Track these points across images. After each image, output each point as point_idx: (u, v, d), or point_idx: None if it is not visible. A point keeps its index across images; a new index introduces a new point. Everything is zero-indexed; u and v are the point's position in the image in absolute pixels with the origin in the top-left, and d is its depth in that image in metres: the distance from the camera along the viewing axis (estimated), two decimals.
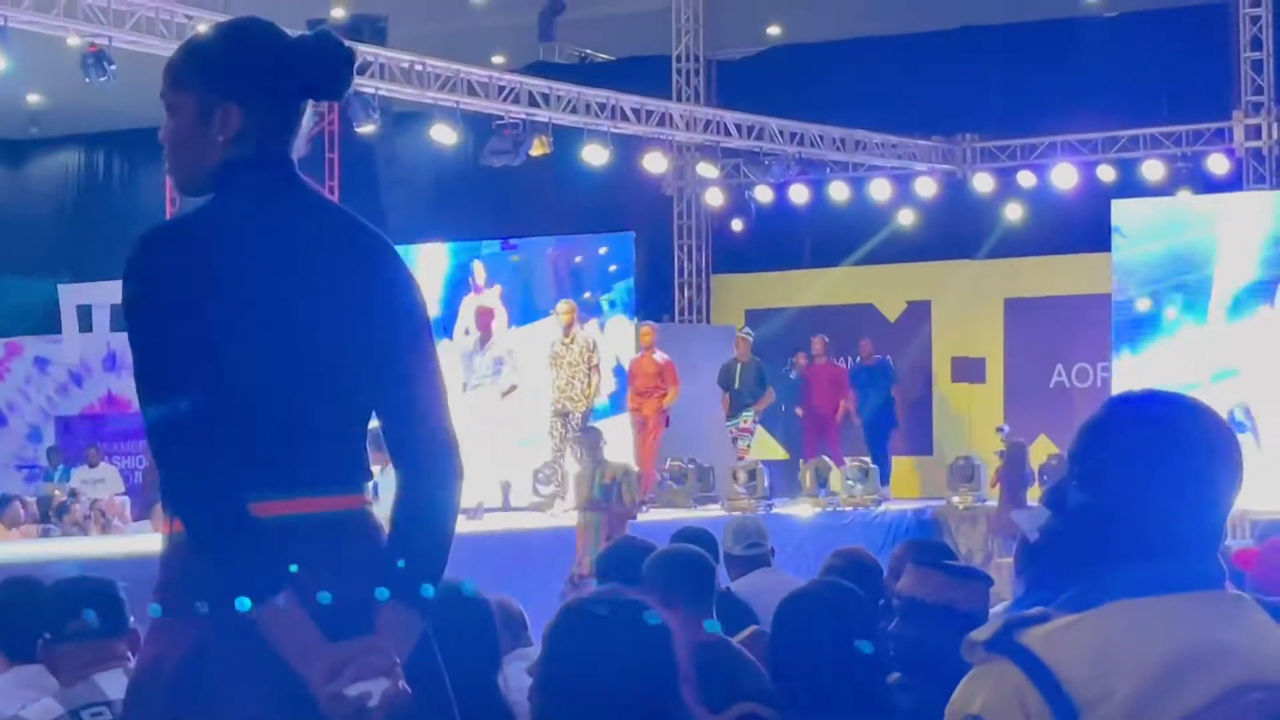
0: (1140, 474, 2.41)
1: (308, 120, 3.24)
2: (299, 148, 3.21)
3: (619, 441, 17.48)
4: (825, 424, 19.82)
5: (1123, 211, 19.34)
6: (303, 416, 3.05)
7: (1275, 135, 20.15)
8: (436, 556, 3.11)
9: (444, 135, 17.79)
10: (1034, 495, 17.17)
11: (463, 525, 3.40)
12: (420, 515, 3.12)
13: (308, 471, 3.06)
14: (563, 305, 17.10)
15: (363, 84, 16.45)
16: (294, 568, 2.94)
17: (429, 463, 3.14)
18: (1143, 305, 18.99)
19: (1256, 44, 20.10)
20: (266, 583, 2.92)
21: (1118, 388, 18.01)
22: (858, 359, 20.76)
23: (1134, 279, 19.07)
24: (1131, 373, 18.58)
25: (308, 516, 3.03)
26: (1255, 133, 20.25)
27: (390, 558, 3.06)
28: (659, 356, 17.66)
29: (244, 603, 2.89)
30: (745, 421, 18.49)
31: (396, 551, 3.07)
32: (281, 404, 3.03)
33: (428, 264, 19.32)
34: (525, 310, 19.37)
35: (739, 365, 18.57)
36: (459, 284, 19.85)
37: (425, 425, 3.15)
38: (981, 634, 2.37)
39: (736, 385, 18.52)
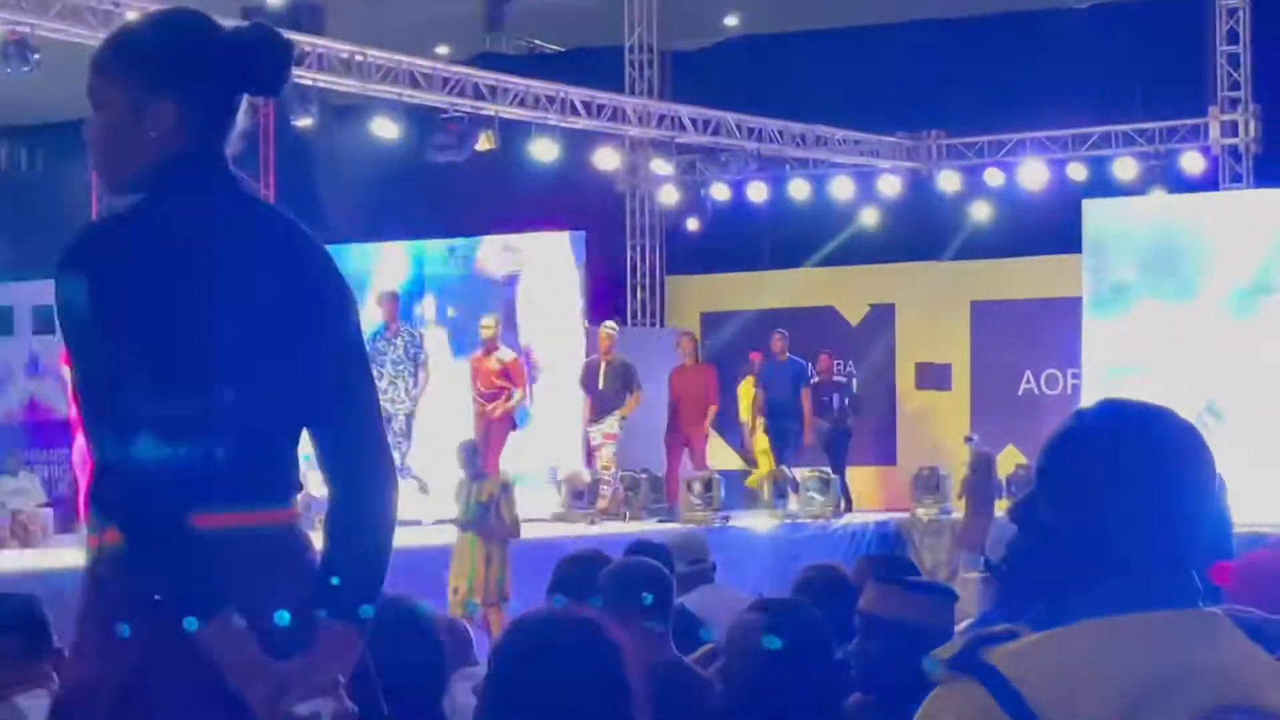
0: (1109, 489, 2.42)
1: (243, 115, 3.23)
2: (234, 144, 3.20)
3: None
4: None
5: (1094, 211, 19.43)
6: (237, 426, 3.05)
7: (1252, 132, 20.28)
8: (374, 572, 3.12)
9: (385, 129, 17.75)
10: (1002, 507, 17.24)
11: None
12: (357, 530, 3.13)
13: (243, 483, 3.06)
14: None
15: (300, 75, 16.40)
16: (236, 582, 2.94)
17: (363, 475, 3.15)
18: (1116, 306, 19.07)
19: (1233, 37, 20.24)
20: (209, 598, 2.93)
21: (1088, 392, 18.12)
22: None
23: (1107, 280, 19.11)
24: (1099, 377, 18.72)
25: (244, 530, 3.04)
26: (1231, 129, 20.38)
27: (327, 574, 3.07)
28: (505, 355, 17.38)
29: (190, 621, 2.90)
30: (610, 428, 17.57)
31: (333, 567, 3.08)
32: (217, 413, 3.04)
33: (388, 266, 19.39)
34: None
35: (603, 364, 17.66)
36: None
37: (358, 436, 3.17)
38: (945, 652, 2.38)
39: (601, 386, 17.60)
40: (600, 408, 17.56)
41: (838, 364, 20.71)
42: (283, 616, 2.96)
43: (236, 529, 3.03)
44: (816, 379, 20.06)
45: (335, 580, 3.05)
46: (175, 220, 3.09)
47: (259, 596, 2.96)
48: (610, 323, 18.32)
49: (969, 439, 18.64)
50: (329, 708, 2.91)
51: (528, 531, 13.77)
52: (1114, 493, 2.42)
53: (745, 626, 4.62)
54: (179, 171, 3.13)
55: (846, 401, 19.78)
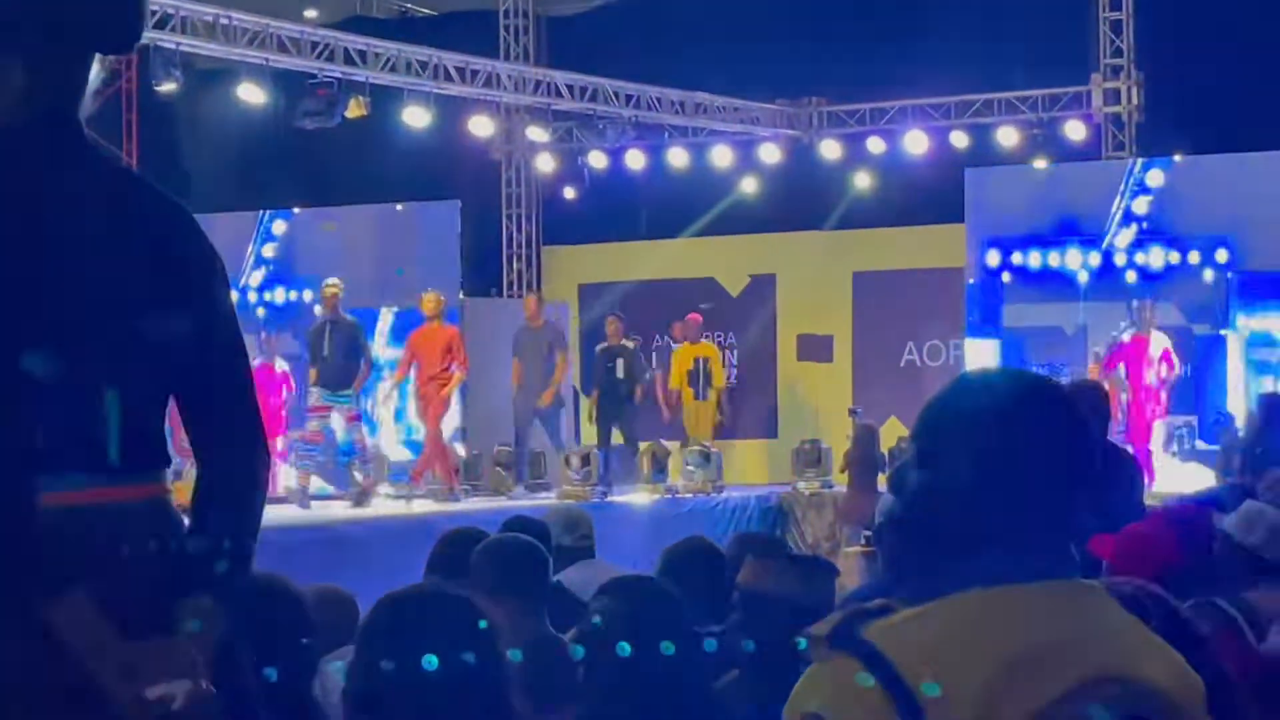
0: (980, 454, 2.44)
1: (96, 76, 3.19)
2: (87, 106, 3.16)
3: None
4: None
5: (976, 180, 19.59)
6: (93, 401, 3.02)
7: (1135, 100, 20.52)
8: (242, 548, 3.10)
9: (252, 95, 17.59)
10: (884, 481, 17.35)
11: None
12: (225, 505, 3.10)
13: (100, 459, 3.03)
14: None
15: (162, 39, 16.20)
16: (85, 561, 2.91)
17: (233, 449, 3.13)
18: (1004, 278, 19.23)
19: (1116, 3, 20.46)
20: (54, 577, 2.89)
21: (971, 366, 18.28)
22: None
23: (987, 253, 19.29)
24: (984, 351, 18.89)
25: (100, 507, 3.00)
26: (1114, 97, 20.62)
27: (190, 551, 3.04)
28: (448, 330, 17.17)
29: (32, 600, 2.86)
30: (349, 403, 16.44)
31: (199, 544, 3.06)
32: (70, 388, 3.00)
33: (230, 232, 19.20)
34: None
35: (328, 326, 16.52)
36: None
37: (228, 409, 3.14)
38: (822, 627, 2.39)
39: (325, 353, 16.38)
40: (325, 377, 16.45)
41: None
42: (120, 594, 2.92)
43: (95, 506, 2.99)
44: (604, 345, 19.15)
45: (203, 557, 3.03)
46: (22, 186, 3.04)
47: (113, 575, 2.94)
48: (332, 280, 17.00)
49: (853, 412, 18.75)
50: (184, 689, 2.89)
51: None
52: (984, 458, 2.43)
53: (598, 609, 4.62)
54: (26, 137, 3.08)
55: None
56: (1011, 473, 2.43)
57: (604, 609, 4.57)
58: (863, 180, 21.87)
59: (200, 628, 3.00)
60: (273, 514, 13.95)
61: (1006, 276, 19.24)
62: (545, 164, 22.45)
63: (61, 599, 2.89)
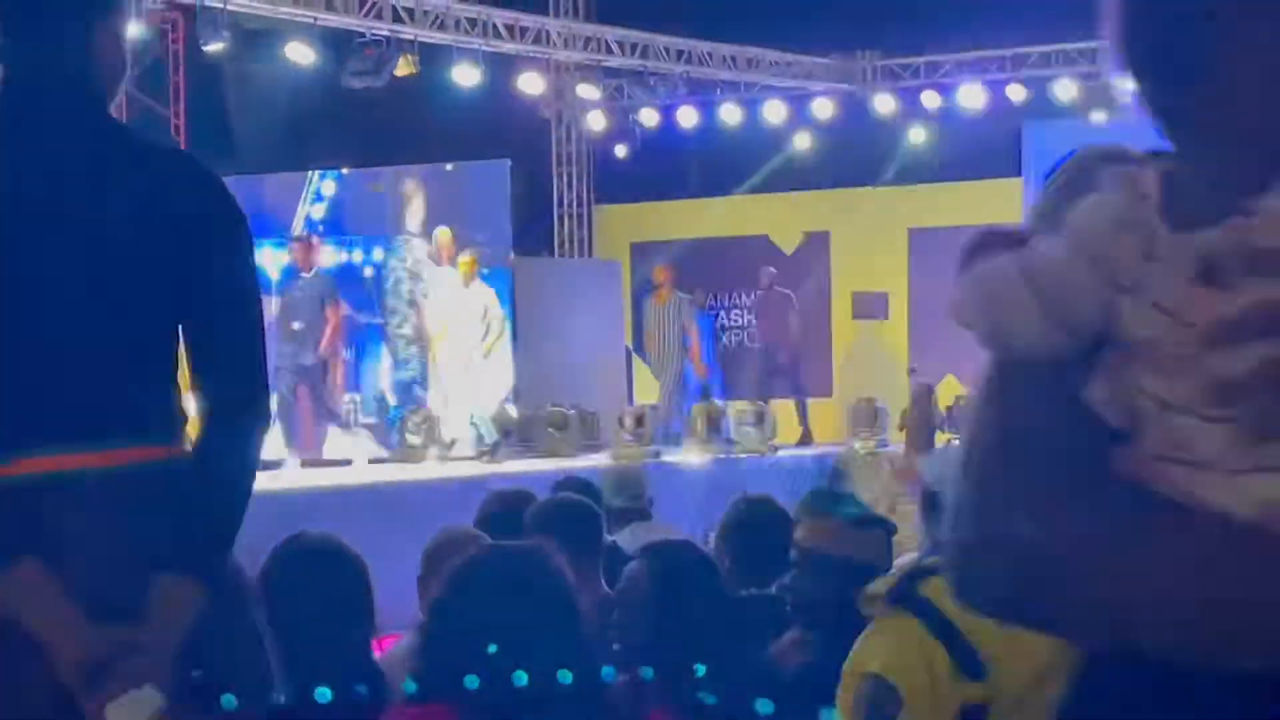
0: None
1: (120, 40, 3.17)
2: (117, 72, 3.13)
3: None
4: None
5: (1035, 134, 19.47)
6: (107, 363, 3.00)
7: None
8: (229, 518, 3.05)
9: (300, 55, 17.60)
10: (942, 439, 17.33)
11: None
12: (218, 468, 3.05)
13: (117, 420, 3.01)
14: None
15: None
16: (50, 531, 2.87)
17: (232, 408, 3.08)
18: None
19: None
20: (11, 547, 2.86)
21: None
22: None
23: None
24: None
25: (77, 473, 2.96)
26: None
27: (175, 523, 2.98)
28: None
29: (46, 561, 2.85)
30: None
31: (186, 510, 3.00)
32: (48, 346, 2.98)
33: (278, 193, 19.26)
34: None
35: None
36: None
37: (232, 365, 3.10)
38: (881, 586, 2.39)
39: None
40: None
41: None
42: (87, 567, 2.87)
43: (72, 472, 2.95)
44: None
45: (182, 531, 2.98)
46: (17, 151, 3.03)
47: (89, 548, 2.89)
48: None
49: (912, 371, 18.69)
50: (150, 701, 2.83)
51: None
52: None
53: (631, 574, 4.63)
54: (21, 102, 3.07)
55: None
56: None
57: (633, 571, 4.58)
58: (918, 135, 21.76)
59: (175, 611, 2.93)
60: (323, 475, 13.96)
61: None
62: (596, 122, 22.40)
63: (20, 567, 2.85)
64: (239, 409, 3.08)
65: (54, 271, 2.98)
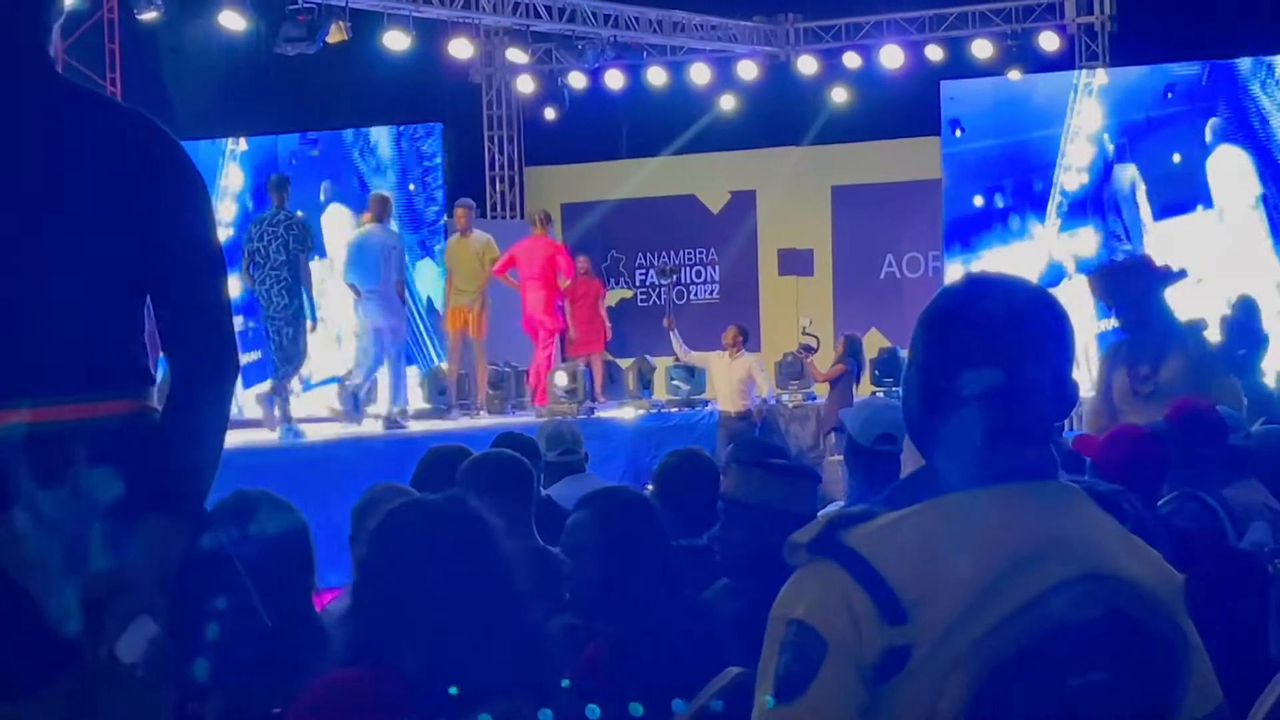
0: (960, 358, 2.44)
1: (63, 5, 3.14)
2: (56, 40, 3.11)
3: None
4: None
5: (952, 92, 19.50)
6: (68, 317, 2.99)
7: (1108, 10, 20.41)
8: (200, 470, 3.05)
9: (232, 22, 17.44)
10: (865, 390, 17.39)
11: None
12: (192, 418, 3.05)
13: (78, 374, 3.00)
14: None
15: None
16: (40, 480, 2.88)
17: (203, 361, 3.08)
18: (978, 202, 19.13)
19: None
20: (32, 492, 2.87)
21: (951, 280, 18.23)
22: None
23: (967, 174, 19.18)
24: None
25: (54, 425, 2.96)
26: (1087, 7, 20.51)
27: (155, 466, 2.99)
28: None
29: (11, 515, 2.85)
30: None
31: (163, 458, 3.01)
32: (45, 304, 2.97)
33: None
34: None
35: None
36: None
37: (201, 319, 3.10)
38: (804, 535, 2.38)
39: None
40: None
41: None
42: (69, 515, 2.87)
43: (48, 424, 2.95)
44: None
45: (166, 473, 2.98)
46: None
47: (71, 497, 2.90)
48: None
49: (804, 328, 18.81)
50: (149, 628, 2.85)
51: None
52: (963, 362, 2.43)
53: (576, 522, 4.62)
54: None
55: None
56: (992, 374, 2.42)
57: (579, 520, 4.58)
58: (840, 95, 21.77)
59: (158, 545, 2.95)
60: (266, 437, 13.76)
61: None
62: (525, 85, 22.32)
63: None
64: (205, 363, 3.08)
65: (9, 227, 2.96)
